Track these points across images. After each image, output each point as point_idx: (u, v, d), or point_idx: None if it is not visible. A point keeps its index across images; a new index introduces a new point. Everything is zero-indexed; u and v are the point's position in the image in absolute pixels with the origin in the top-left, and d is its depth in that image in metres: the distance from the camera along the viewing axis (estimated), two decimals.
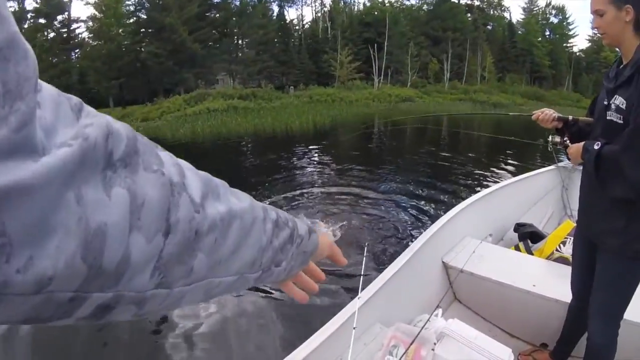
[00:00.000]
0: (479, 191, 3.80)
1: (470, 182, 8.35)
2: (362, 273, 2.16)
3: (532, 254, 3.12)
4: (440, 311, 2.24)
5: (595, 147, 1.66)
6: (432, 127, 16.59)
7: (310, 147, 13.52)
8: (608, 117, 1.71)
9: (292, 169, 10.36)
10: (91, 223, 0.29)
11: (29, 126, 0.26)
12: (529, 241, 3.31)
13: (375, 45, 40.69)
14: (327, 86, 39.46)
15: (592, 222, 1.87)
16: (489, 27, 54.69)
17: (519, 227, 3.48)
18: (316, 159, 11.52)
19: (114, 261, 0.31)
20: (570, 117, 2.08)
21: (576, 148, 1.81)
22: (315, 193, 7.84)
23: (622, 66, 1.71)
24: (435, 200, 7.06)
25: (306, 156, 11.97)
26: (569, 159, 1.99)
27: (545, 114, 2.07)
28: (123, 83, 38.39)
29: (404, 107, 26.22)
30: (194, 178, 0.41)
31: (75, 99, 0.32)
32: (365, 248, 2.46)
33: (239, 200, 0.49)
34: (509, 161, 9.90)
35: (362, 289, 2.08)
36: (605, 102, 1.75)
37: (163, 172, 0.36)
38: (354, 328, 1.71)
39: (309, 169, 10.23)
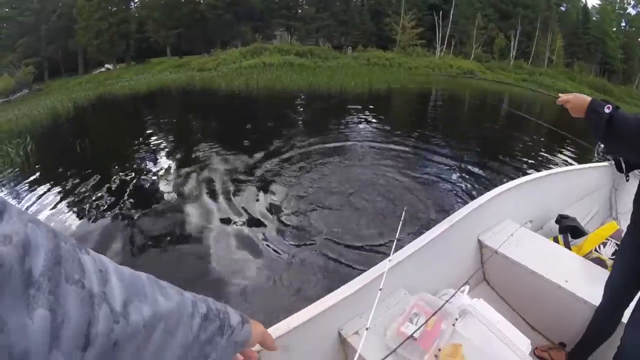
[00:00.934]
0: (526, 175, 3.69)
1: (519, 165, 8.11)
2: (396, 237, 2.16)
3: (569, 248, 3.03)
4: (467, 288, 2.25)
5: (606, 110, 1.53)
6: (490, 103, 16.04)
7: (364, 109, 13.40)
8: None
9: (343, 127, 10.38)
10: (14, 350, 0.30)
11: None
12: (569, 235, 3.21)
13: (441, 12, 39.00)
14: (387, 50, 38.49)
15: None
16: (562, 8, 50.70)
17: (561, 219, 3.37)
18: (369, 120, 11.46)
19: None
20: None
21: (580, 101, 1.66)
22: (364, 147, 8.09)
23: None
24: (480, 177, 6.98)
25: (358, 117, 11.91)
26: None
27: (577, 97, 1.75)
28: (181, 33, 38.74)
29: (464, 80, 25.24)
30: (118, 284, 0.43)
31: None
32: (403, 212, 2.44)
33: (167, 298, 0.50)
34: (564, 151, 9.44)
35: (394, 252, 2.10)
36: None
37: (84, 283, 0.38)
38: (380, 289, 1.74)
39: (359, 128, 10.24)
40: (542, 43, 45.05)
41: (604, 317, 2.13)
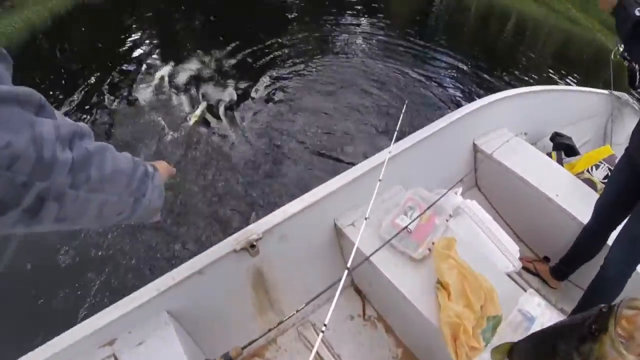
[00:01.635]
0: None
1: (521, 77, 7.91)
2: (397, 128, 2.08)
3: (562, 165, 2.98)
4: (460, 189, 2.22)
5: (637, 13, 1.44)
6: (498, 16, 15.35)
7: (363, 8, 12.73)
8: None
9: (342, 28, 9.93)
10: (36, 130, 0.48)
11: None
12: (562, 153, 3.16)
13: None
14: None
15: None
16: None
17: (556, 136, 3.31)
18: (367, 21, 10.92)
19: (49, 155, 0.49)
20: None
21: None
22: (367, 41, 8.01)
23: None
24: (484, 82, 6.90)
25: (357, 17, 11.33)
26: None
27: None
28: None
29: None
30: (79, 124, 0.60)
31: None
32: (405, 104, 2.34)
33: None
34: (569, 76, 9.19)
35: (394, 143, 2.05)
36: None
37: (65, 119, 0.57)
38: (379, 180, 1.70)
39: (356, 30, 9.79)
40: None
41: (591, 235, 2.14)
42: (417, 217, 1.75)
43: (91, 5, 15.85)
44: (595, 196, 2.23)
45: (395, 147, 2.05)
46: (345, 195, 1.87)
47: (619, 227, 1.87)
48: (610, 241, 2.00)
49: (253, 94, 5.55)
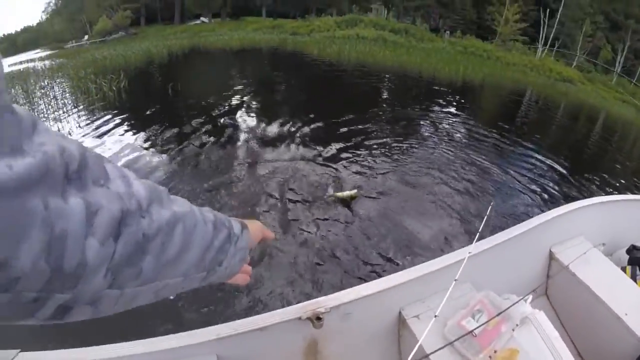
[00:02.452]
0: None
1: (608, 180, 7.66)
2: (480, 228, 2.18)
3: (636, 282, 2.88)
4: (530, 297, 2.24)
5: None
6: (585, 115, 15.10)
7: (454, 99, 13.06)
8: None
9: (430, 115, 10.22)
10: (55, 228, 0.33)
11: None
12: (637, 268, 3.05)
13: (548, 10, 36.43)
14: (485, 41, 36.80)
15: None
16: None
17: (633, 249, 3.17)
18: (457, 112, 11.16)
19: (73, 264, 0.36)
20: None
21: None
22: (449, 143, 7.93)
23: None
24: (570, 185, 6.75)
25: (447, 106, 11.64)
26: None
27: None
28: None
29: (562, 87, 23.71)
30: (140, 187, 0.47)
31: (32, 117, 0.36)
32: (490, 206, 2.44)
33: (180, 206, 0.54)
34: None
35: (476, 242, 2.12)
36: None
37: (109, 187, 0.42)
38: (455, 280, 1.78)
39: (446, 119, 10.02)
40: None
41: None
42: (485, 322, 1.81)
43: (203, 51, 17.49)
44: None
45: (475, 247, 2.12)
46: (416, 287, 1.96)
47: None
48: None
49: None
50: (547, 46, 37.86)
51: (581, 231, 2.95)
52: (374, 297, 1.86)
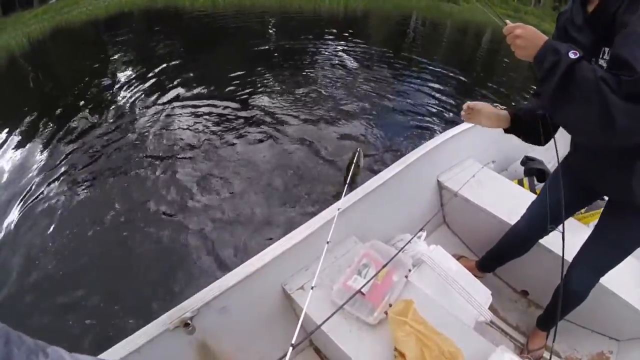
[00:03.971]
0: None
1: (499, 94, 7.88)
2: (347, 181, 1.93)
3: (535, 192, 2.85)
4: (424, 234, 2.09)
5: (572, 55, 1.08)
6: (472, 34, 15.62)
7: (337, 32, 12.80)
8: None
9: (313, 53, 9.93)
10: None
11: None
12: (534, 178, 3.04)
13: None
14: None
15: (596, 167, 1.58)
16: None
17: (527, 161, 3.17)
18: (341, 46, 10.95)
19: None
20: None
21: (534, 35, 1.20)
22: (331, 80, 7.59)
23: (591, 7, 1.26)
24: (452, 113, 6.67)
25: (331, 42, 11.37)
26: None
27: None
28: None
29: (446, 7, 24.16)
30: None
31: None
32: (357, 152, 2.17)
33: None
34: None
35: (344, 196, 1.90)
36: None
37: None
38: (327, 242, 1.54)
39: (329, 55, 9.79)
40: None
41: (522, 237, 2.08)
42: (373, 277, 1.60)
43: (68, 29, 15.83)
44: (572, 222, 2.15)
45: (346, 200, 1.90)
46: (292, 257, 1.72)
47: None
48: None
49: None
50: None
51: (469, 154, 2.86)
52: (249, 280, 1.61)
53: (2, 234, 3.65)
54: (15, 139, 5.77)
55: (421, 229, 1.96)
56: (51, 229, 3.63)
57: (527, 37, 1.21)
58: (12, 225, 3.73)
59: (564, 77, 1.08)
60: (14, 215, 3.87)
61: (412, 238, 1.87)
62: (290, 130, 5.27)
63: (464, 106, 1.71)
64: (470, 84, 8.76)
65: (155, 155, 4.75)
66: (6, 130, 6.08)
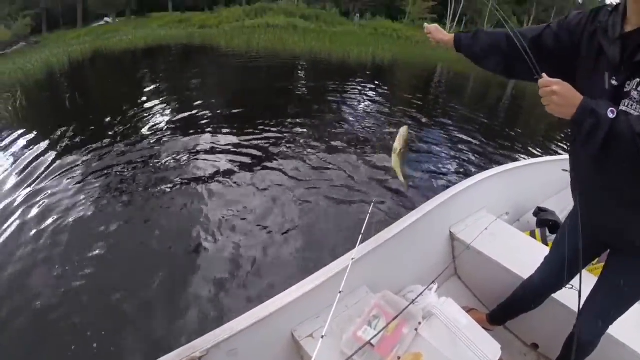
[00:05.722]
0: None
1: (513, 150, 7.86)
2: (362, 231, 1.97)
3: (547, 244, 2.85)
4: (435, 286, 2.10)
5: (610, 114, 1.11)
6: (496, 85, 15.77)
7: (363, 79, 13.13)
8: (622, 108, 1.19)
9: (340, 97, 10.19)
10: None
11: None
12: (547, 230, 3.03)
13: None
14: (396, 21, 37.56)
15: (602, 216, 1.55)
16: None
17: (539, 212, 3.19)
18: (366, 92, 11.21)
19: None
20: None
21: (570, 94, 1.18)
22: (350, 126, 7.71)
23: (628, 27, 1.24)
24: (472, 161, 6.69)
25: (357, 87, 11.66)
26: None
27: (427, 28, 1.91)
28: None
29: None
30: None
31: None
32: (371, 205, 2.23)
33: None
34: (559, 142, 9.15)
35: (358, 246, 1.94)
36: (615, 82, 1.23)
37: None
38: (339, 292, 1.58)
39: (353, 102, 10.01)
40: None
41: (535, 291, 2.07)
42: (383, 329, 1.63)
43: (107, 54, 16.44)
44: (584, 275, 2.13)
45: (360, 250, 1.94)
46: (303, 305, 1.75)
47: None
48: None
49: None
50: (455, 22, 39.25)
51: (483, 205, 2.90)
52: (259, 325, 1.65)
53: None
54: (47, 151, 6.05)
55: (433, 282, 1.99)
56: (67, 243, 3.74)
57: (564, 95, 1.19)
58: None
59: (606, 139, 1.12)
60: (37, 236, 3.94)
61: (423, 290, 1.90)
62: (308, 172, 5.36)
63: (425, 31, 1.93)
64: (495, 131, 8.86)
65: (173, 187, 4.85)
66: (40, 143, 6.37)
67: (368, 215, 2.08)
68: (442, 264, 2.49)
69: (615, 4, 1.31)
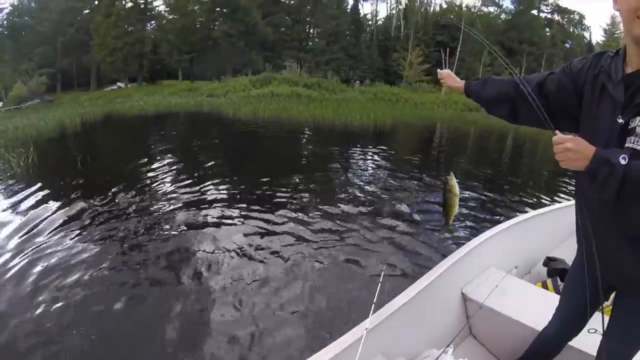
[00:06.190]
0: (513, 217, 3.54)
1: (522, 204, 7.82)
2: (374, 300, 1.97)
3: (559, 293, 2.81)
4: (451, 349, 2.08)
5: (622, 161, 1.17)
6: (496, 138, 16.01)
7: (367, 143, 13.44)
8: (628, 145, 1.26)
9: (346, 162, 10.37)
10: None
11: None
12: (558, 279, 3.03)
13: (448, 49, 39.36)
14: (394, 85, 38.91)
15: (612, 261, 1.53)
16: (567, 45, 50.84)
17: (549, 262, 3.19)
18: (370, 156, 11.43)
19: None
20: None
21: (582, 147, 1.24)
22: (357, 193, 7.73)
23: (629, 69, 1.33)
24: (485, 222, 6.61)
25: (360, 152, 11.92)
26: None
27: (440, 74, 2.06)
28: (194, 58, 40.36)
29: (469, 116, 25.22)
30: None
31: None
32: (382, 272, 2.25)
33: None
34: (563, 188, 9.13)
35: (372, 314, 1.95)
36: (621, 120, 1.30)
37: None
38: None
39: (359, 167, 10.19)
40: None
41: (552, 341, 2.05)
42: None
43: (118, 118, 16.86)
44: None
45: (374, 319, 1.95)
46: None
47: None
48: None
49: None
50: None
51: (492, 262, 2.92)
52: None
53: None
54: (55, 210, 6.16)
55: (448, 345, 1.96)
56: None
57: (578, 150, 1.24)
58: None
59: (621, 184, 1.18)
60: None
61: (439, 355, 1.88)
62: (311, 240, 5.30)
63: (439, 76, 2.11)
64: (499, 184, 8.94)
65: (179, 252, 4.87)
66: (49, 202, 6.54)
67: (379, 285, 2.09)
68: (457, 326, 2.47)
69: (614, 51, 1.42)
